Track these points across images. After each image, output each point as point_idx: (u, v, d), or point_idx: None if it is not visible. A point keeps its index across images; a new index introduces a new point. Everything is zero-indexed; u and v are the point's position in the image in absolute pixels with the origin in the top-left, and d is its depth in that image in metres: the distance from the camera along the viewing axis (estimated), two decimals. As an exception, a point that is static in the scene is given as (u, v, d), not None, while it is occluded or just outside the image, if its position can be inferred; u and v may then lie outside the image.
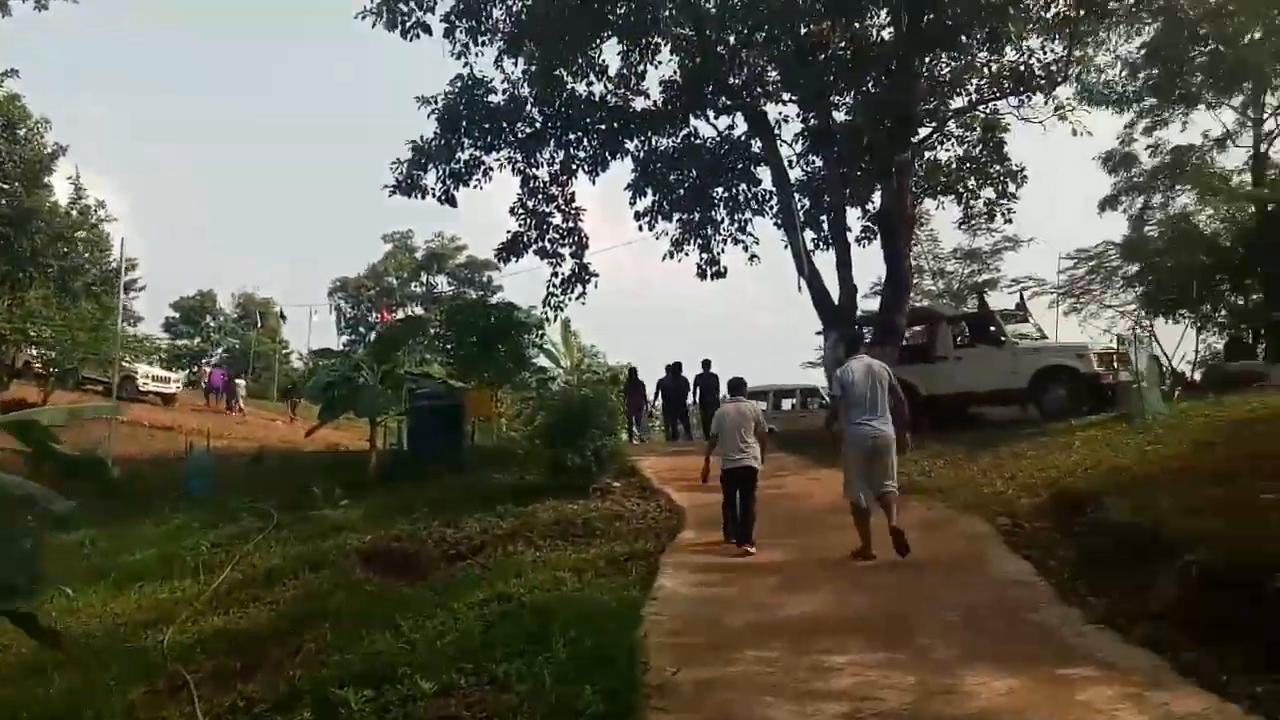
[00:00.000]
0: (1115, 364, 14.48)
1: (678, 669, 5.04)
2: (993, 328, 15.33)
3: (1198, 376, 24.40)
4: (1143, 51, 25.55)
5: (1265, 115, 29.96)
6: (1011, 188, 18.80)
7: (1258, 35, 23.55)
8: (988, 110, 18.08)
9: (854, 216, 18.43)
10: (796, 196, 16.35)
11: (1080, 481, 9.35)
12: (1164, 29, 23.76)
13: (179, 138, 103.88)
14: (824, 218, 18.33)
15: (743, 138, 18.31)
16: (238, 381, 35.28)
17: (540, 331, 22.14)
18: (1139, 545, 6.38)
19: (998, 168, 18.93)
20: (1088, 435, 12.42)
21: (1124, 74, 27.31)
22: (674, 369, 19.13)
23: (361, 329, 64.44)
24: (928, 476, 11.83)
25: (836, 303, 15.77)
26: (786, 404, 24.61)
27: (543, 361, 35.19)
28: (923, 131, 16.30)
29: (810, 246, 16.81)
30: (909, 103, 14.89)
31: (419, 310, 58.28)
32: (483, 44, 17.31)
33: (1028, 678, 4.61)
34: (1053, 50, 15.27)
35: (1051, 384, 14.39)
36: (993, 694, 4.45)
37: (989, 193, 18.90)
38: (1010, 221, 17.31)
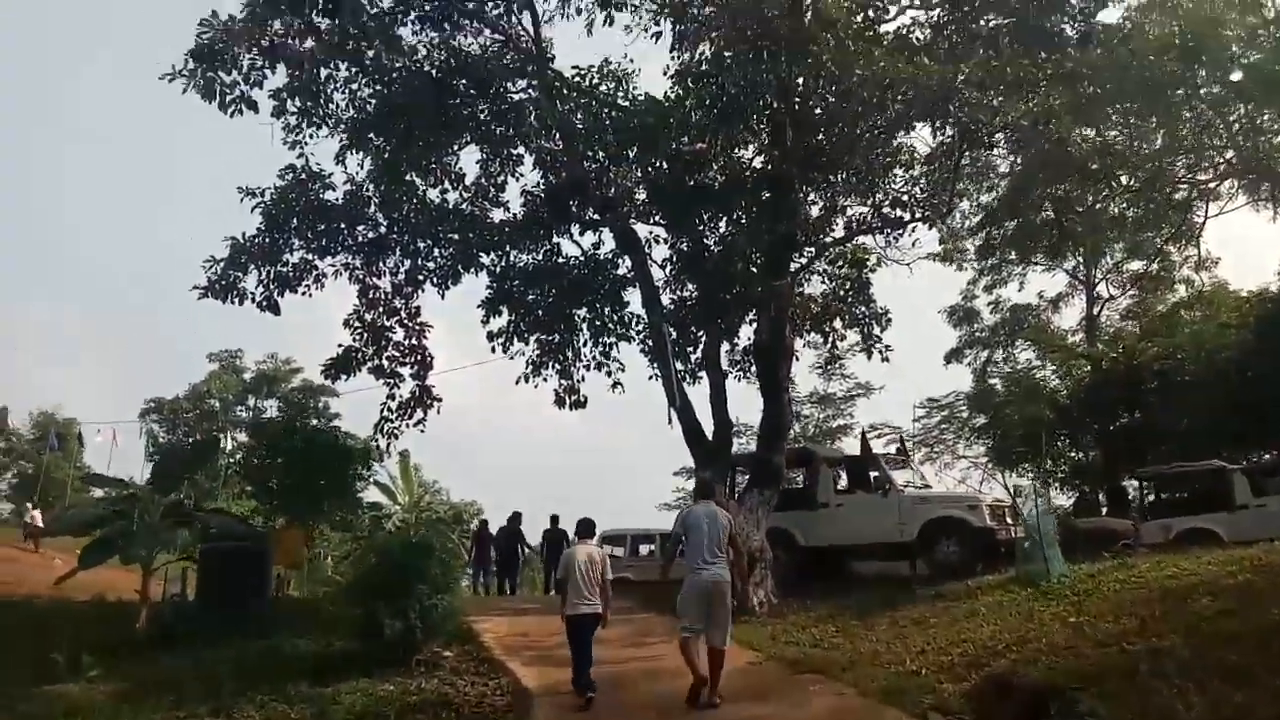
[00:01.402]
0: (1007, 517, 13.40)
1: None
2: (876, 473, 14.10)
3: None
4: (991, 206, 26.51)
5: (1096, 279, 31.94)
6: (876, 330, 18.19)
7: (1091, 202, 24.83)
8: (855, 247, 17.59)
9: (723, 350, 17.21)
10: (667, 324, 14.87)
11: (1013, 664, 7.77)
12: (1012, 187, 24.71)
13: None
14: (692, 349, 16.98)
15: (609, 255, 16.92)
16: (33, 513, 30.20)
17: (369, 462, 19.53)
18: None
19: (863, 309, 18.30)
20: (991, 600, 11.05)
21: (969, 229, 28.31)
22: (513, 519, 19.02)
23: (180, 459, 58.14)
24: (821, 648, 10.02)
25: (710, 439, 14.16)
26: (645, 549, 22.58)
27: (377, 496, 31.90)
28: (799, 259, 15.39)
29: (682, 377, 15.24)
30: (790, 227, 13.96)
31: (242, 438, 53.23)
32: (319, 131, 15.39)
33: None
34: (928, 186, 14.81)
35: (942, 538, 13.12)
36: None
37: (853, 334, 18.20)
38: (886, 360, 16.43)
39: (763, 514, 13.22)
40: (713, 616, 7.92)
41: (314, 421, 29.82)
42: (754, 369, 16.38)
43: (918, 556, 13.46)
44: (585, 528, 9.25)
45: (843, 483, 14.80)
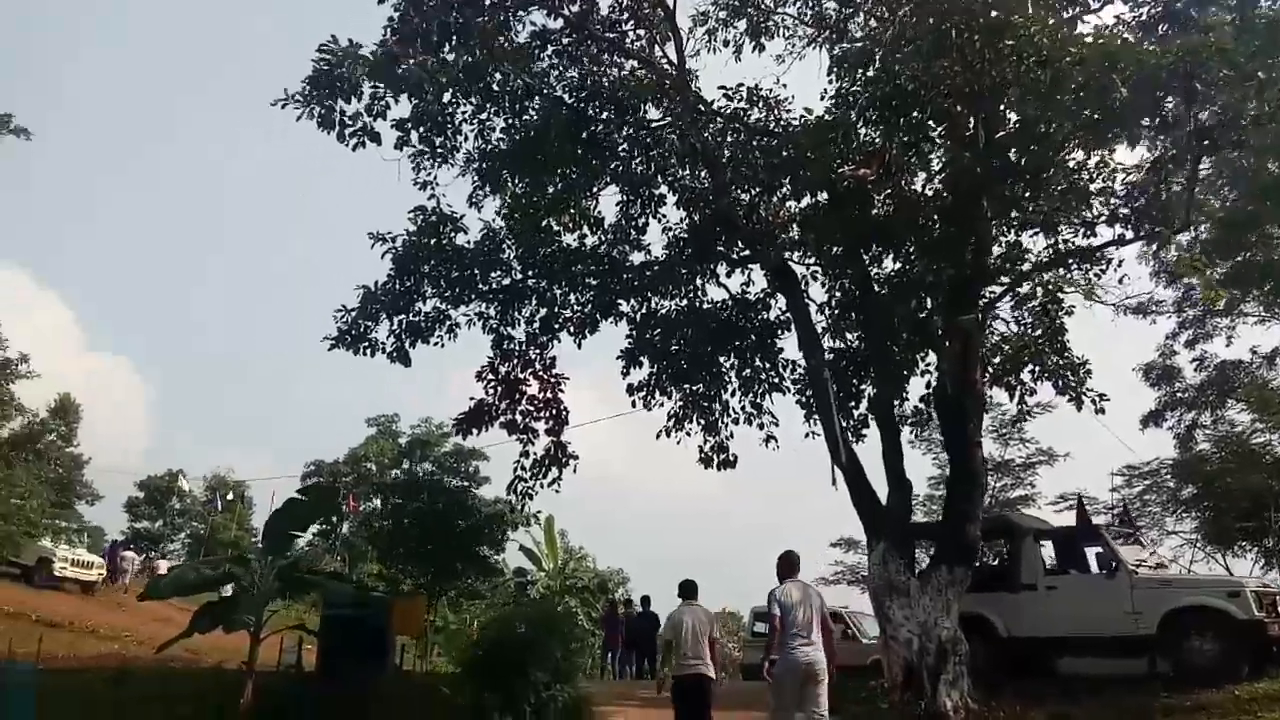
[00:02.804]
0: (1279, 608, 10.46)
1: None
2: (1099, 549, 11.46)
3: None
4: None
5: (1317, 330, 27.40)
6: (1073, 380, 15.48)
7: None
8: (1052, 279, 15.11)
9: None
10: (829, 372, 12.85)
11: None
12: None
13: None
14: (854, 404, 14.88)
15: (760, 295, 15.16)
16: (125, 554, 30.91)
17: (510, 524, 18.38)
18: None
19: (1055, 359, 15.65)
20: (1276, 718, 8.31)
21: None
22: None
23: (334, 519, 59.75)
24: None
25: (885, 504, 11.96)
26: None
27: (522, 562, 30.59)
28: (988, 294, 13.13)
29: (847, 432, 13.15)
30: (978, 258, 11.84)
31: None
32: (448, 168, 14.61)
33: None
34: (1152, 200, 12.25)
35: (1193, 632, 10.32)
36: None
37: (1047, 387, 15.52)
38: (1102, 411, 13.70)
39: (953, 595, 10.88)
40: (807, 700, 7.68)
41: (453, 481, 28.91)
42: (920, 430, 14.12)
43: (1158, 655, 10.65)
44: (689, 589, 8.98)
45: (1049, 561, 12.20)
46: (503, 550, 24.51)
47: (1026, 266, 13.80)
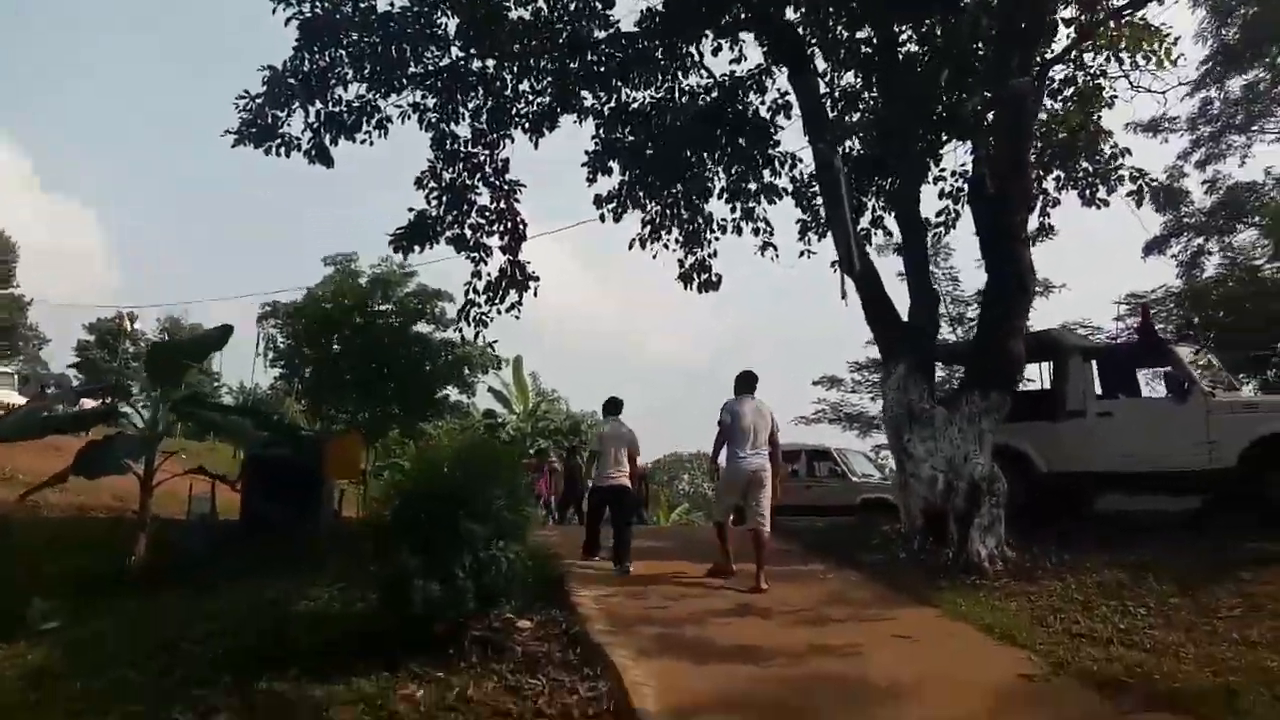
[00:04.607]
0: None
1: None
2: (1169, 367, 9.51)
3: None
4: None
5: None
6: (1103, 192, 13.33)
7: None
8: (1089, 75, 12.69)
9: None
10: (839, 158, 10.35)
11: None
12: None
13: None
14: (869, 198, 12.58)
15: (753, 73, 12.45)
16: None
17: (480, 367, 16.39)
18: None
19: (1085, 164, 13.41)
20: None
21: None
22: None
23: (296, 362, 57.84)
24: (1140, 648, 5.86)
25: (906, 319, 9.86)
26: (790, 468, 18.65)
27: (492, 404, 28.79)
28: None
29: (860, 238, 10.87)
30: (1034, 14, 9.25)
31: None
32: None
33: None
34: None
35: (1282, 466, 8.52)
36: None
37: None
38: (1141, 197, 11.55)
39: (988, 425, 8.96)
40: (749, 503, 8.21)
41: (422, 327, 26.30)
42: (945, 232, 11.90)
43: (1237, 492, 8.89)
44: (613, 405, 9.68)
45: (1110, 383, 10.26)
46: (473, 394, 22.87)
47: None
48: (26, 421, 9.38)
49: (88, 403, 13.95)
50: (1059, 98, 13.24)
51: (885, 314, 9.89)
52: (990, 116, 10.18)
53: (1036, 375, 11.60)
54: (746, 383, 8.56)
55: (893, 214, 11.54)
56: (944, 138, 10.74)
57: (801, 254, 13.99)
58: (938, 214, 12.43)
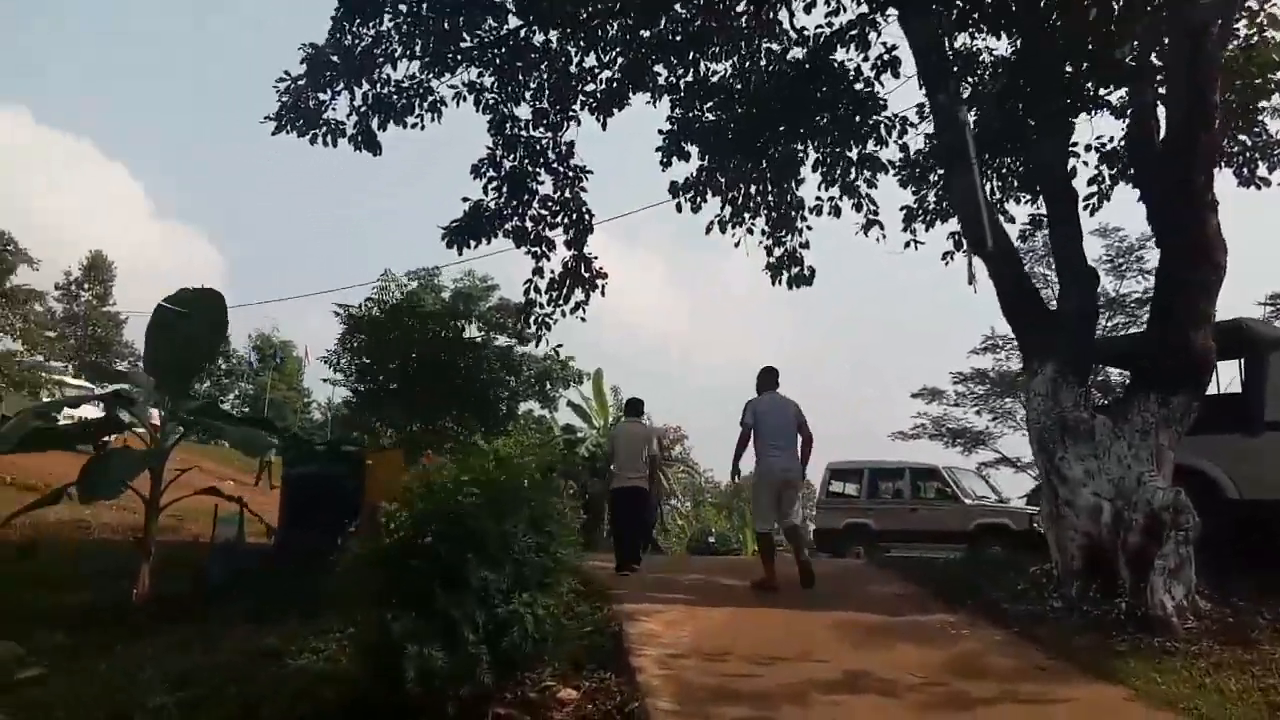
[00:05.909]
0: None
1: None
2: None
3: None
4: None
5: None
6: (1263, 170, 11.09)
7: None
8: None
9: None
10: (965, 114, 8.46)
11: None
12: None
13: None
14: (986, 181, 10.60)
15: (856, 21, 10.63)
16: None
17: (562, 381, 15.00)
18: None
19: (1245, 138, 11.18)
20: None
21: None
22: None
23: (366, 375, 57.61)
24: None
25: (1055, 307, 7.91)
26: (887, 488, 16.61)
27: (573, 419, 27.59)
28: None
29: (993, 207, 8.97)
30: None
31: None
32: None
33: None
34: None
35: None
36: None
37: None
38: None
39: (1167, 440, 6.96)
40: (784, 504, 8.19)
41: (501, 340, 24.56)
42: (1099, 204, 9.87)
43: None
44: (634, 407, 10.11)
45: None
46: (555, 408, 22.10)
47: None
48: (17, 433, 8.23)
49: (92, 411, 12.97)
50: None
51: (1028, 301, 7.94)
52: (1155, 56, 8.16)
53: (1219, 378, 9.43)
54: (768, 379, 8.53)
55: (1022, 192, 9.55)
56: (1091, 88, 8.70)
57: (907, 245, 12.16)
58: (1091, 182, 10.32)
